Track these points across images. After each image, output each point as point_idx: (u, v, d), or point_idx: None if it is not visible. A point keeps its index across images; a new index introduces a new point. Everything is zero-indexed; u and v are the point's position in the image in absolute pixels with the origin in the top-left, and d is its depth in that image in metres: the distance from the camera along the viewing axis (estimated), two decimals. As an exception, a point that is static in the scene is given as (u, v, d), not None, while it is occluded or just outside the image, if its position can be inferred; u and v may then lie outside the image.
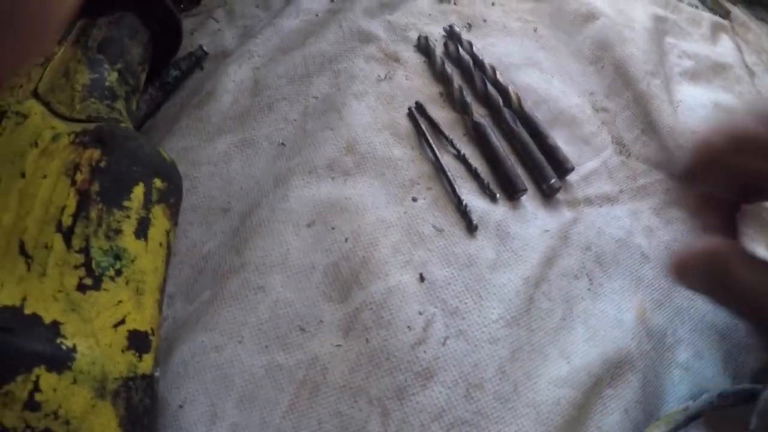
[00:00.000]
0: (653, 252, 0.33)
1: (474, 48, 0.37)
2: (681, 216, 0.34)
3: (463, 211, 0.30)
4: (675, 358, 0.29)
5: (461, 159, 0.32)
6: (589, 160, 0.35)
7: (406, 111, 0.34)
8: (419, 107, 0.34)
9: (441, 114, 0.34)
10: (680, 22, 0.44)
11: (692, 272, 0.25)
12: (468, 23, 0.39)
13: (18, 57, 0.19)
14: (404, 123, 0.34)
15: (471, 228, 0.30)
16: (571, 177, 0.34)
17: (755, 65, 0.47)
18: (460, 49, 0.36)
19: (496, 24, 0.39)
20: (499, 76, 0.35)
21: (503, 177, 0.32)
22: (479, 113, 0.34)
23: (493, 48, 0.38)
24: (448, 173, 0.31)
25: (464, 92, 0.34)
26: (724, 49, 0.45)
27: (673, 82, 0.39)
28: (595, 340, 0.29)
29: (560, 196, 0.33)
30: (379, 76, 0.35)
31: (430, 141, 0.32)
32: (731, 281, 0.23)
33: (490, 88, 0.35)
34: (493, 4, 0.40)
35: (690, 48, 0.42)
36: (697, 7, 0.48)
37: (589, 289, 0.30)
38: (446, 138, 0.33)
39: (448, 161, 0.32)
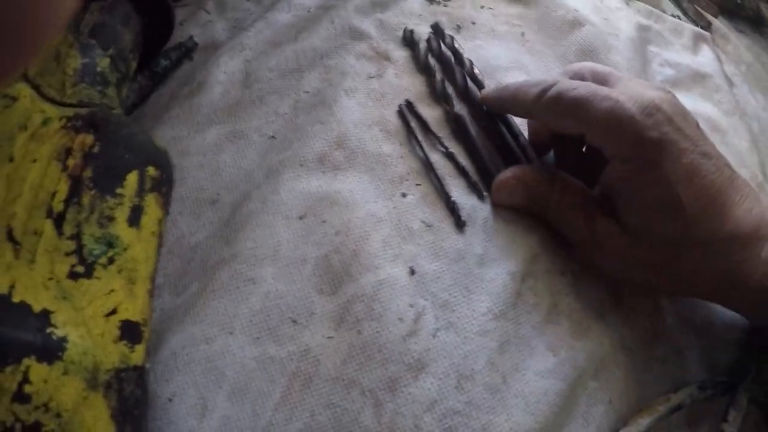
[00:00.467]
0: None
1: (455, 43, 0.37)
2: None
3: (451, 208, 0.31)
4: (655, 352, 0.30)
5: (449, 156, 0.33)
6: (573, 160, 0.35)
7: (396, 108, 0.34)
8: (409, 105, 0.34)
9: (430, 112, 0.35)
10: (663, 31, 0.46)
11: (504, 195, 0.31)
12: (457, 25, 0.40)
13: (15, 57, 0.18)
14: (393, 120, 0.34)
15: (459, 224, 0.30)
16: None
17: (734, 75, 0.49)
18: (443, 45, 0.37)
19: (485, 27, 0.40)
20: (476, 71, 0.36)
21: (484, 172, 0.32)
22: (459, 107, 0.35)
23: (481, 50, 0.38)
24: (437, 171, 0.32)
25: (446, 84, 0.35)
26: (705, 59, 0.47)
27: (653, 90, 0.40)
28: (580, 333, 0.29)
29: None
30: (369, 73, 0.35)
31: (419, 139, 0.33)
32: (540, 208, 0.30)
33: (469, 82, 0.35)
34: (482, 7, 0.41)
35: (672, 57, 0.44)
36: (679, 18, 0.50)
37: (572, 285, 0.31)
38: (435, 136, 0.33)
39: (436, 159, 0.33)
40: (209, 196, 0.31)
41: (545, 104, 0.28)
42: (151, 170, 0.26)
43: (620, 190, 0.28)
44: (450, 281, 0.29)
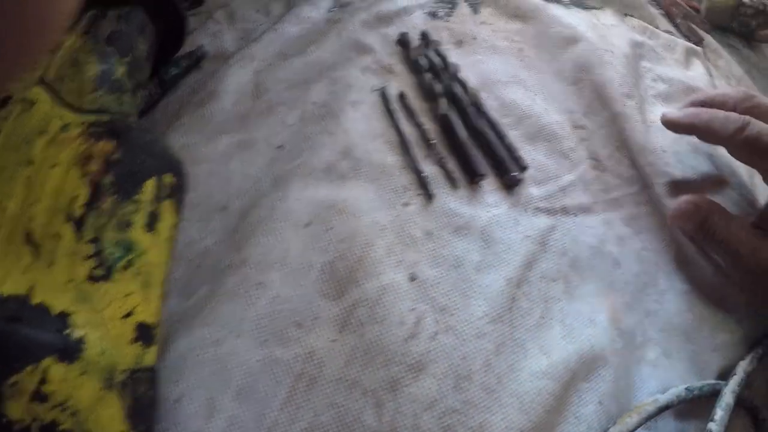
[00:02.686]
0: (624, 259, 0.35)
1: (440, 48, 0.39)
2: (649, 226, 0.36)
3: (422, 183, 0.32)
4: (644, 355, 0.31)
5: (430, 146, 0.34)
6: (567, 172, 0.37)
7: (400, 121, 0.35)
8: (401, 96, 0.36)
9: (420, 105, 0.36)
10: (656, 47, 0.47)
11: (683, 219, 0.34)
12: (459, 40, 0.41)
13: (21, 53, 0.19)
14: (396, 132, 0.35)
15: (428, 196, 0.32)
16: (551, 187, 0.35)
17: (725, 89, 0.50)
18: (431, 51, 0.38)
19: (485, 42, 0.41)
20: (461, 75, 0.38)
21: (465, 162, 0.34)
22: (446, 106, 0.36)
23: (481, 64, 0.39)
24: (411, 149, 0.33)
25: (434, 84, 0.36)
26: (696, 73, 0.48)
27: (647, 104, 0.42)
28: (571, 337, 0.30)
29: (540, 204, 0.35)
30: (373, 86, 0.36)
31: (398, 120, 0.34)
32: (709, 229, 0.32)
33: (455, 85, 0.36)
34: (482, 23, 0.42)
35: (664, 72, 0.45)
36: (672, 33, 0.51)
37: (565, 291, 0.32)
38: (420, 128, 0.34)
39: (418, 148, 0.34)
40: (219, 203, 0.31)
41: (743, 141, 0.33)
42: (168, 177, 0.26)
43: None
44: (449, 287, 0.29)
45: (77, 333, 0.21)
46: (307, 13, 0.39)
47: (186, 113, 0.34)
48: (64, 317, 0.22)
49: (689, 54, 0.49)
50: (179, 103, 0.35)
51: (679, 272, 0.35)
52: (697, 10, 0.60)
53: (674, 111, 0.38)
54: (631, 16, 0.49)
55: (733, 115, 0.34)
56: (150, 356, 0.24)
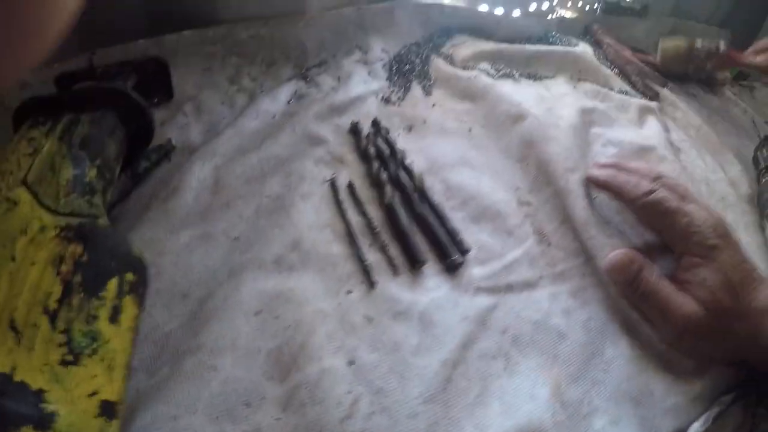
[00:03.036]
0: (570, 330, 0.42)
1: (390, 135, 0.49)
2: (595, 297, 0.45)
3: (365, 271, 0.41)
4: (591, 425, 0.38)
5: (375, 235, 0.43)
6: (512, 250, 0.46)
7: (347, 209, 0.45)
8: (350, 185, 0.45)
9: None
10: (609, 110, 0.58)
11: (615, 271, 0.44)
12: (410, 124, 0.51)
13: (18, 53, 0.21)
14: (343, 221, 0.45)
15: (371, 284, 0.41)
16: (495, 266, 0.44)
17: (682, 141, 0.60)
18: (380, 139, 0.48)
19: (435, 125, 0.51)
20: (407, 162, 0.47)
21: (407, 249, 0.42)
22: (391, 194, 0.45)
23: (430, 148, 0.49)
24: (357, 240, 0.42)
25: (381, 173, 0.46)
26: (650, 131, 0.58)
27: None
28: (510, 413, 0.37)
29: (483, 283, 0.43)
30: (325, 177, 0.46)
31: (346, 210, 0.44)
32: (639, 283, 0.43)
33: (401, 172, 0.46)
34: (434, 105, 0.53)
35: (615, 135, 0.55)
36: (627, 93, 0.62)
37: (505, 368, 0.39)
38: (366, 217, 0.44)
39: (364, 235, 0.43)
40: (181, 291, 0.41)
41: (647, 204, 0.45)
42: (130, 275, 0.36)
43: (689, 276, 0.43)
44: (386, 369, 0.38)
45: (51, 407, 0.31)
46: (267, 107, 0.50)
47: (152, 208, 0.44)
48: (40, 394, 0.31)
49: (643, 112, 0.59)
50: (148, 197, 0.45)
51: (625, 339, 0.43)
52: (654, 65, 0.71)
53: (595, 170, 0.49)
54: (585, 80, 0.60)
55: (644, 182, 0.46)
56: (113, 429, 0.33)
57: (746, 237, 0.55)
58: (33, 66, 0.23)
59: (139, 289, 0.36)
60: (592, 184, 0.49)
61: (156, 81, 0.50)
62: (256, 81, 0.54)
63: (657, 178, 0.47)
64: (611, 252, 0.45)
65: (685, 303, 0.42)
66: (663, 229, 0.46)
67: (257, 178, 0.45)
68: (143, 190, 0.45)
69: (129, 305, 0.35)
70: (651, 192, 0.45)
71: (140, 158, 0.47)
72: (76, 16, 0.22)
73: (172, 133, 0.49)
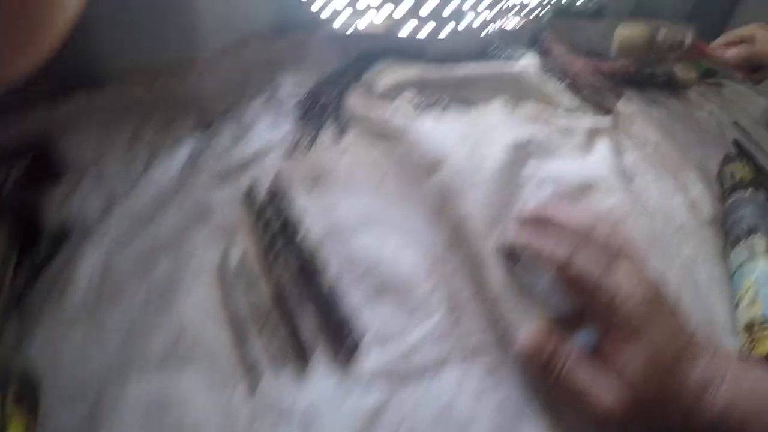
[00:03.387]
0: (480, 415, 0.42)
1: (288, 197, 0.48)
2: (513, 374, 0.44)
3: (250, 366, 0.42)
4: None
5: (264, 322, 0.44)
6: (418, 326, 0.44)
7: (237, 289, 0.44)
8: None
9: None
10: (550, 138, 0.53)
11: (526, 361, 0.42)
12: (316, 176, 0.49)
13: (17, 53, 0.22)
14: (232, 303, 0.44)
15: (255, 381, 0.41)
16: (396, 347, 0.44)
17: (637, 164, 0.54)
18: (276, 207, 0.48)
19: (342, 177, 0.48)
20: (306, 228, 0.47)
21: (294, 339, 0.43)
22: (286, 275, 0.45)
23: (333, 208, 0.48)
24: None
25: (272, 247, 0.45)
26: (598, 157, 0.52)
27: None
28: None
29: (379, 369, 0.43)
30: (214, 255, 0.45)
31: (233, 293, 0.44)
32: (553, 370, 0.40)
33: (295, 248, 0.45)
34: (344, 152, 0.49)
35: (553, 170, 0.50)
36: (576, 110, 0.56)
37: None
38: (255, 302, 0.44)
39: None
40: (78, 392, 0.43)
41: (559, 277, 0.43)
42: (14, 387, 0.38)
43: (614, 353, 0.40)
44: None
45: None
46: (159, 174, 0.48)
47: (46, 306, 0.45)
48: None
49: (592, 135, 0.54)
50: (45, 292, 0.46)
51: (545, 419, 0.42)
52: (609, 73, 0.64)
53: (512, 232, 0.47)
54: (526, 100, 0.54)
55: (563, 247, 0.43)
56: None
57: (707, 270, 0.52)
58: (33, 66, 0.24)
59: (27, 399, 0.39)
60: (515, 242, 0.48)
61: (41, 163, 0.49)
62: (155, 142, 0.52)
63: (584, 237, 0.44)
64: (529, 326, 0.44)
65: (607, 389, 0.40)
66: (583, 303, 0.44)
67: (146, 262, 0.47)
68: (41, 286, 0.47)
69: (17, 416, 0.38)
70: (569, 262, 0.43)
71: (39, 246, 0.46)
72: (77, 16, 0.22)
73: (72, 208, 0.49)
